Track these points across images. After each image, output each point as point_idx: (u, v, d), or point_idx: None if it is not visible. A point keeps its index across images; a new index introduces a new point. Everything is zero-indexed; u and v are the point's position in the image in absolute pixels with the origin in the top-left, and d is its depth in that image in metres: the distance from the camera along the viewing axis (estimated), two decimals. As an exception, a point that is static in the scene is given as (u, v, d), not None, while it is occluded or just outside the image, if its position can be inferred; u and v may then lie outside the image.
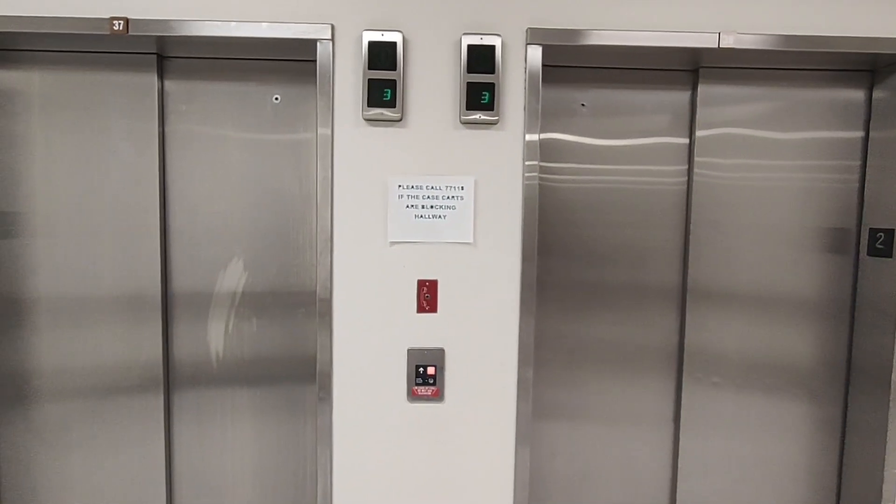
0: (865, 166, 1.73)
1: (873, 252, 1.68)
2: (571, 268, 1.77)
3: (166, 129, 1.68)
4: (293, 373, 1.76)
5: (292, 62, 1.65)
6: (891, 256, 1.62)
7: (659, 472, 1.86)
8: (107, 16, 1.45)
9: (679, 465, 1.83)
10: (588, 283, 1.78)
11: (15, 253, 1.66)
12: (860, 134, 1.73)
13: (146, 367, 1.72)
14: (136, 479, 1.75)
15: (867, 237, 1.71)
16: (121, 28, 1.45)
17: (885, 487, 1.65)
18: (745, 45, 1.52)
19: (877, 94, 1.69)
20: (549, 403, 1.81)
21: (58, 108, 1.63)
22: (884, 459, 1.64)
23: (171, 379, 1.74)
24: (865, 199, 1.73)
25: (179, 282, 1.73)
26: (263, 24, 1.47)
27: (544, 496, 1.83)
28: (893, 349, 1.61)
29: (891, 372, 1.62)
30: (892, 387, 1.62)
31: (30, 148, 1.64)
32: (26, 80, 1.62)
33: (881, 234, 1.65)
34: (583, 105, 1.72)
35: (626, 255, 1.78)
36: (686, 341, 1.79)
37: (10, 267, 1.67)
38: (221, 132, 1.69)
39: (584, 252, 1.77)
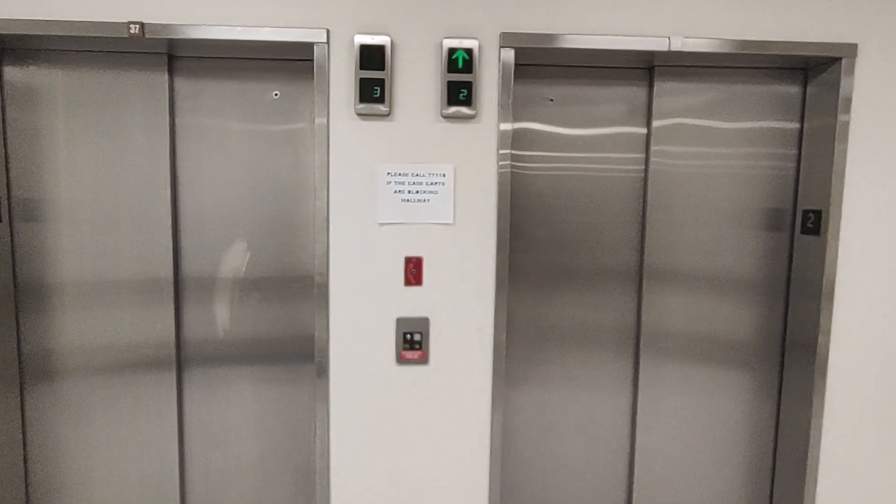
0: (801, 154, 1.96)
1: (805, 230, 1.91)
2: (541, 247, 1.97)
3: (176, 123, 1.84)
4: (293, 343, 1.94)
5: (290, 61, 1.82)
6: (818, 234, 1.85)
7: (621, 427, 2.09)
8: (125, 20, 1.62)
9: (637, 421, 2.06)
10: (556, 261, 1.98)
11: (38, 237, 1.83)
12: (796, 125, 1.95)
13: (160, 342, 1.90)
14: (151, 441, 1.95)
15: (801, 217, 1.94)
16: (137, 32, 1.62)
17: (811, 434, 1.89)
18: (691, 47, 1.72)
19: (810, 90, 1.91)
20: (522, 368, 2.02)
21: (77, 103, 1.80)
22: (810, 411, 1.89)
23: (182, 346, 1.93)
24: (800, 182, 1.95)
25: (189, 263, 1.90)
26: (266, 28, 1.65)
27: (520, 447, 2.06)
28: (819, 318, 1.85)
29: (816, 337, 1.86)
30: (818, 350, 1.86)
31: (52, 139, 1.80)
32: (49, 78, 1.78)
33: (811, 214, 1.88)
34: (551, 100, 1.92)
35: (590, 235, 1.98)
36: (643, 313, 2.00)
37: (33, 251, 1.83)
38: (226, 125, 1.85)
39: (552, 233, 1.97)
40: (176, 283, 1.89)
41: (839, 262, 1.83)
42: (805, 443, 1.92)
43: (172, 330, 1.90)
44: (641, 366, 2.03)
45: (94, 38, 1.64)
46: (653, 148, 1.95)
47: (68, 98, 1.79)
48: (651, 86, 1.93)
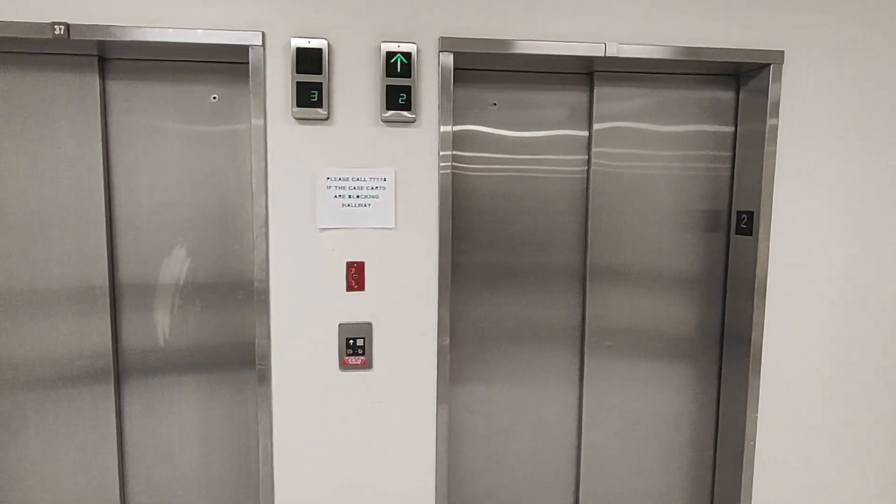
0: (734, 157, 2.02)
1: (739, 231, 1.97)
2: (485, 248, 1.99)
3: (109, 128, 1.78)
4: (236, 350, 1.91)
5: (228, 64, 1.78)
6: (751, 234, 1.91)
7: (567, 423, 2.12)
8: (49, 21, 1.56)
9: (583, 416, 2.09)
10: (500, 263, 2.00)
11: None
12: (730, 129, 2.01)
13: (96, 353, 1.84)
14: (90, 457, 1.89)
15: (735, 218, 2.00)
16: (62, 33, 1.56)
17: (747, 427, 1.96)
18: (627, 53, 1.76)
19: (742, 95, 1.97)
20: (467, 370, 2.03)
21: (3, 106, 1.73)
22: (746, 405, 1.96)
23: (120, 356, 1.87)
24: (734, 184, 2.02)
25: (126, 269, 1.85)
26: (199, 30, 1.61)
27: (467, 448, 2.07)
28: (752, 313, 1.92)
29: (751, 333, 1.93)
30: (752, 346, 1.93)
31: (-25, 143, 1.73)
32: (-31, 80, 1.71)
33: (744, 215, 1.94)
34: (493, 104, 1.93)
35: (535, 236, 2.00)
36: (587, 311, 2.04)
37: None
38: (163, 128, 1.80)
39: (496, 234, 1.99)
40: (112, 290, 1.84)
41: (770, 260, 1.90)
42: (742, 432, 1.99)
43: (109, 340, 1.84)
44: (586, 362, 2.07)
45: (16, 38, 1.57)
46: (594, 150, 1.98)
47: (-8, 101, 1.72)
48: (591, 90, 1.97)
